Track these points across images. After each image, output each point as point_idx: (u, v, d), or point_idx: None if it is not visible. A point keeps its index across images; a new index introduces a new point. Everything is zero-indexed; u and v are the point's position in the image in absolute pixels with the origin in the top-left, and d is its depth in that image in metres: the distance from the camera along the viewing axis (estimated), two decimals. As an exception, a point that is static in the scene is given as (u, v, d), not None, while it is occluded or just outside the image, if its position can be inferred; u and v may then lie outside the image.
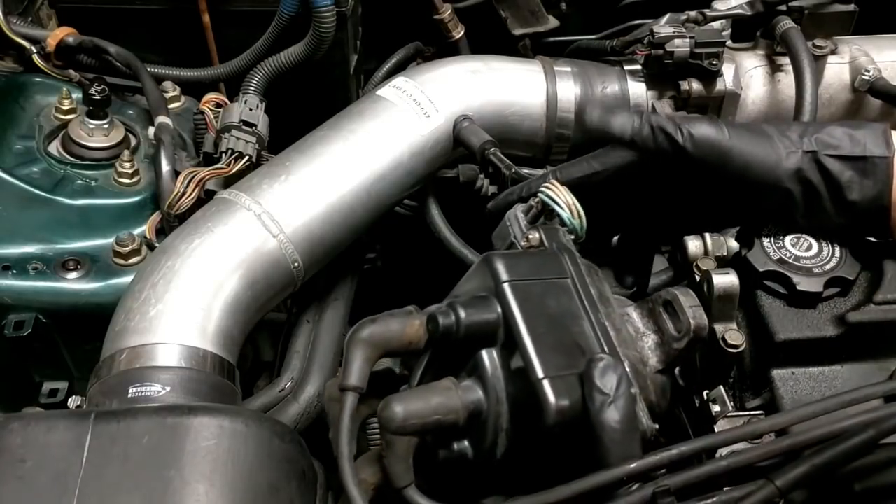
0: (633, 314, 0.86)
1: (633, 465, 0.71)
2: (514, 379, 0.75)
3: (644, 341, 0.84)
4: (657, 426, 0.76)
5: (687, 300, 0.82)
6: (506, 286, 0.77)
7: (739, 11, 1.36)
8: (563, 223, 0.88)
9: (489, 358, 0.77)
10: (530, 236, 0.86)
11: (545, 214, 0.89)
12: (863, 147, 0.83)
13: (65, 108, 1.28)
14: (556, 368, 0.72)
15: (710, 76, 1.31)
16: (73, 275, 1.12)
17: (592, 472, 0.70)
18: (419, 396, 0.76)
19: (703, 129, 0.84)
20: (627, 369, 0.74)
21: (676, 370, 0.90)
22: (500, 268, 0.78)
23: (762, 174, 0.84)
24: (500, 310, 0.76)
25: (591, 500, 0.73)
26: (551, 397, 0.71)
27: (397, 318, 0.81)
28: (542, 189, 0.89)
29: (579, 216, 0.87)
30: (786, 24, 1.33)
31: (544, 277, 0.79)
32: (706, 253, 0.92)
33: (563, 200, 0.87)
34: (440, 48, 1.60)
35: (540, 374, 0.72)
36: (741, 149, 0.84)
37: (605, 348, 0.76)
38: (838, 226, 0.89)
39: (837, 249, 0.94)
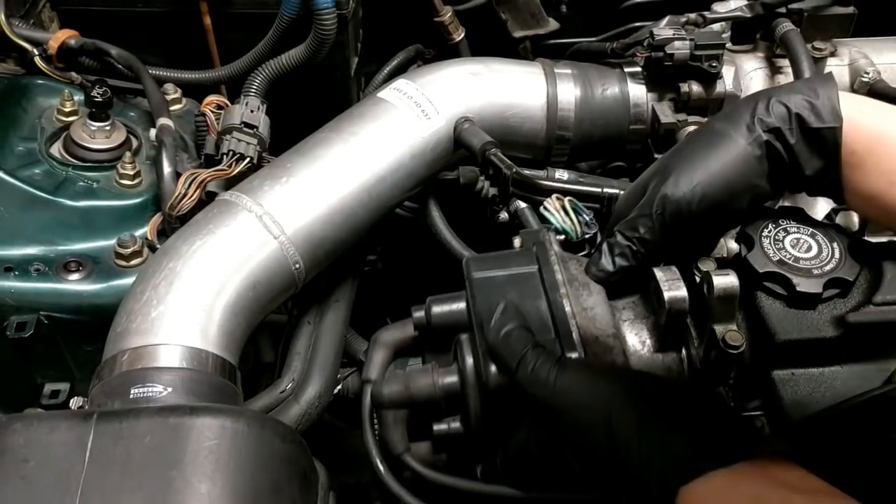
0: (639, 302, 0.90)
1: None
2: (479, 358, 0.84)
3: (644, 324, 0.87)
4: None
5: (664, 275, 0.85)
6: (472, 278, 0.89)
7: (739, 13, 1.37)
8: (557, 229, 1.02)
9: (465, 343, 0.87)
10: (515, 242, 0.98)
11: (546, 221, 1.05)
12: (818, 118, 0.82)
13: (66, 110, 1.28)
14: None
15: (710, 78, 1.31)
16: (75, 276, 1.12)
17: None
18: (400, 378, 0.88)
19: (678, 189, 0.83)
20: (576, 338, 0.82)
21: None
22: (470, 266, 0.91)
23: (740, 185, 0.84)
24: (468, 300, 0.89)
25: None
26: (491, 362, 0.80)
27: (406, 322, 0.96)
28: (544, 204, 1.05)
29: (570, 219, 1.02)
30: (785, 26, 1.33)
31: (510, 270, 0.90)
32: (706, 253, 0.92)
33: (554, 207, 1.03)
34: (441, 50, 1.61)
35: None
36: (715, 178, 0.83)
37: (556, 319, 0.84)
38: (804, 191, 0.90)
39: (837, 250, 0.94)
